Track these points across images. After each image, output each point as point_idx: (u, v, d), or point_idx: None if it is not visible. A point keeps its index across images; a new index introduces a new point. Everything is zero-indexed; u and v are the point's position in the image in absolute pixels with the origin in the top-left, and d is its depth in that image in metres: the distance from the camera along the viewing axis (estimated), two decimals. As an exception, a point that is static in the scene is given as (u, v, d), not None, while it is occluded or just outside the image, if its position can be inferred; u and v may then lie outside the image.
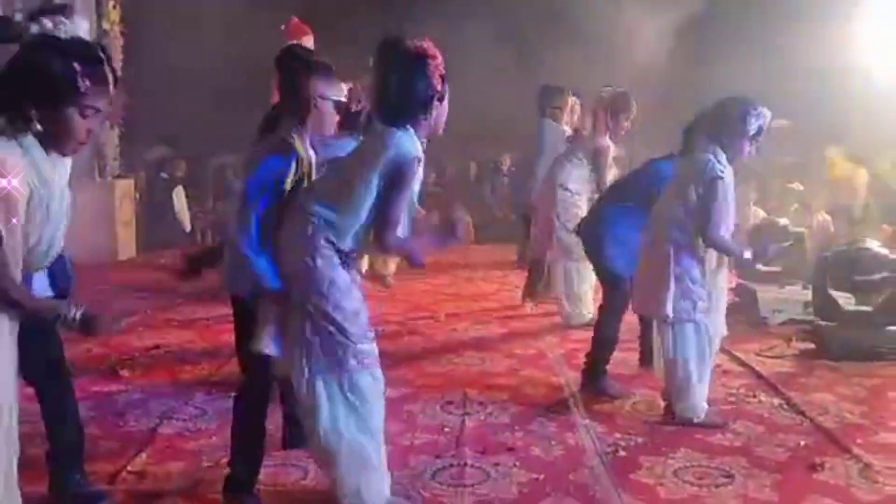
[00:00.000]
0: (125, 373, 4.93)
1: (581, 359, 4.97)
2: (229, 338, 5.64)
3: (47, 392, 3.14)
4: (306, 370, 2.88)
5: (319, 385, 2.88)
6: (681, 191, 3.99)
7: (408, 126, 2.88)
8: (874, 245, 5.67)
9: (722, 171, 3.89)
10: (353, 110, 4.13)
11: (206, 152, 11.68)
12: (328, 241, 2.85)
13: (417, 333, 6.04)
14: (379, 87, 2.90)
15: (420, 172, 2.92)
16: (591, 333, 5.54)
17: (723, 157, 3.93)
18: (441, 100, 2.93)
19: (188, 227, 10.75)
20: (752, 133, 3.93)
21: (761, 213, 8.48)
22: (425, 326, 6.26)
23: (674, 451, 3.74)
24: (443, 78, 2.90)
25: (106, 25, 9.58)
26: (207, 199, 11.38)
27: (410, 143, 2.85)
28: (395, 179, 2.82)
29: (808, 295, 6.05)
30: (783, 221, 7.27)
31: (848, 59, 9.20)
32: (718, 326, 4.17)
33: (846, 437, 3.87)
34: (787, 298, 6.11)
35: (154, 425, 4.09)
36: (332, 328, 2.85)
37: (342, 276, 2.88)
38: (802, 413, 4.20)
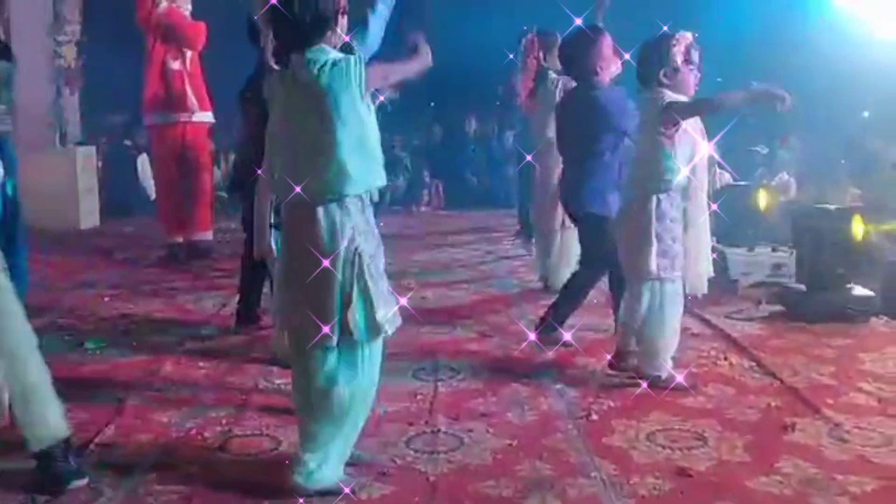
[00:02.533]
0: (90, 344, 4.84)
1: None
2: (195, 306, 5.67)
3: None
4: None
5: None
6: (652, 129, 3.97)
7: (317, 44, 2.85)
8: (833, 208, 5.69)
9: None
10: None
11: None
12: None
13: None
14: (280, 13, 2.83)
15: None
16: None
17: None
18: (344, 14, 2.93)
19: (153, 196, 10.57)
20: (683, 61, 3.96)
21: (727, 177, 8.51)
22: (396, 294, 6.20)
23: (646, 414, 3.74)
24: None
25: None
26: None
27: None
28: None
29: (778, 257, 6.11)
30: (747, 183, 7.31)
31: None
32: (696, 284, 4.17)
33: (816, 397, 3.90)
34: (758, 261, 6.14)
35: (122, 397, 4.02)
36: None
37: None
38: (773, 374, 4.23)
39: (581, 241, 4.91)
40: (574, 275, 4.90)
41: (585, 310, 5.15)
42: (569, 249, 5.94)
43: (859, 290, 5.25)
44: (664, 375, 4.04)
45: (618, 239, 4.23)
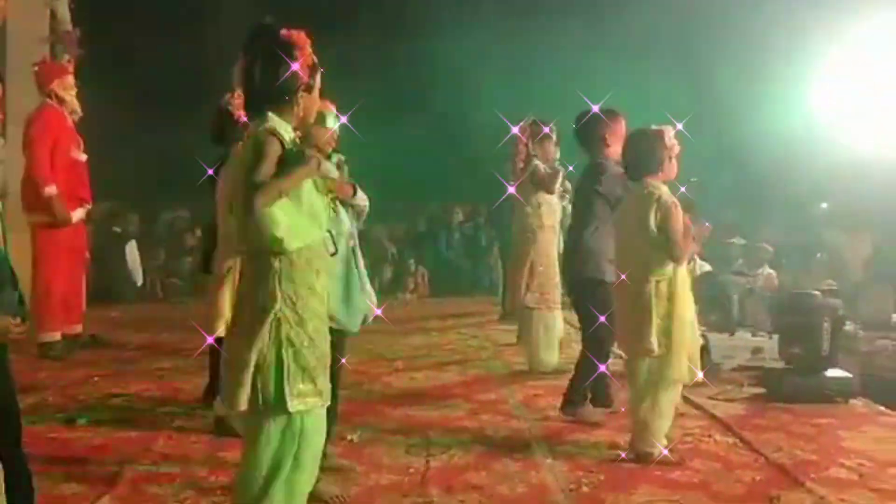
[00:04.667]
0: (83, 421, 4.86)
1: (540, 404, 5.15)
2: (186, 387, 5.70)
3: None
4: None
5: None
6: (642, 223, 4.14)
7: (272, 112, 2.89)
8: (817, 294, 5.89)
9: (670, 196, 4.14)
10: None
11: (158, 206, 11.65)
12: None
13: (378, 381, 6.06)
14: (244, 79, 2.92)
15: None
16: (552, 382, 5.73)
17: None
18: (309, 90, 2.96)
19: (140, 282, 10.66)
20: (668, 155, 4.20)
21: (707, 266, 8.72)
22: (384, 375, 6.29)
23: (635, 487, 3.82)
24: (311, 68, 2.94)
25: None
26: (159, 253, 11.32)
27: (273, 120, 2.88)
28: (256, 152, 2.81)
29: (757, 341, 6.27)
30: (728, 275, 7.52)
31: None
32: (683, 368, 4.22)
33: (800, 472, 3.99)
34: (738, 345, 6.29)
35: (117, 469, 4.05)
36: None
37: None
38: (757, 451, 4.32)
39: (583, 308, 5.00)
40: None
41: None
42: (549, 331, 6.11)
43: (838, 372, 5.40)
44: (655, 452, 4.12)
45: (616, 314, 4.37)
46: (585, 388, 4.91)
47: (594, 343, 4.83)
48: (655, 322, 4.06)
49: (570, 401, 4.90)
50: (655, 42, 10.61)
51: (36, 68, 6.83)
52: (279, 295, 2.83)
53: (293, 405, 2.83)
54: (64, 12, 9.44)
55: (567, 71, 10.08)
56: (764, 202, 10.36)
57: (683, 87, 9.31)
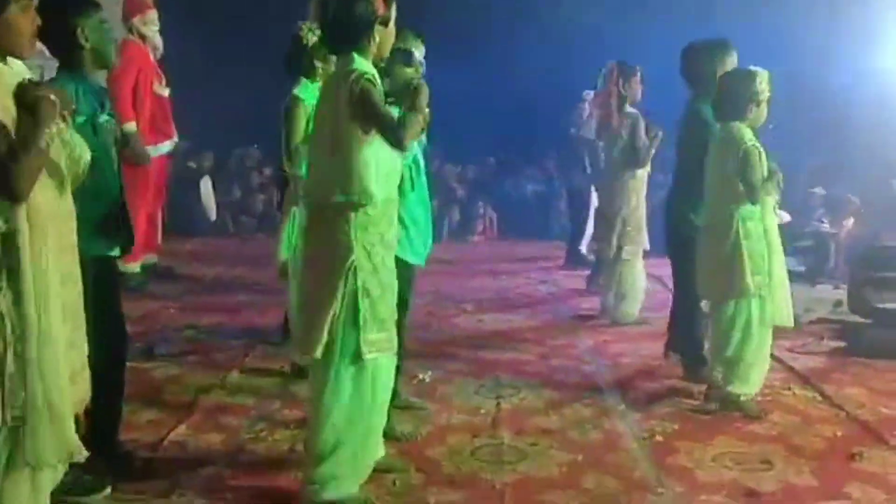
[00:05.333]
0: (160, 350, 4.96)
1: (612, 351, 5.12)
2: (260, 321, 5.77)
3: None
4: None
5: None
6: (725, 166, 4.00)
7: (353, 51, 2.86)
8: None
9: (752, 141, 3.96)
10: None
11: (232, 143, 11.72)
12: None
13: (446, 323, 6.04)
14: (321, 14, 2.92)
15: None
16: (622, 328, 5.63)
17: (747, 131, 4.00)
18: (385, 23, 2.94)
19: (213, 217, 10.79)
20: (760, 99, 4.00)
21: (786, 216, 8.44)
22: (453, 316, 6.26)
23: (710, 438, 3.75)
24: (385, 1, 2.92)
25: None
26: (232, 189, 11.41)
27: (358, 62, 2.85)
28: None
29: (839, 294, 6.07)
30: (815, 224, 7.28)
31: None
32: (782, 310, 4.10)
33: (884, 429, 3.86)
34: (819, 298, 6.10)
35: (192, 399, 4.13)
36: None
37: None
38: (838, 406, 4.19)
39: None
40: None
41: (643, 334, 5.22)
42: (636, 282, 6.01)
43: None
44: (742, 398, 4.03)
45: (700, 257, 4.19)
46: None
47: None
48: (748, 261, 3.94)
49: (698, 363, 4.57)
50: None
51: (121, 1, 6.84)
52: (356, 245, 2.84)
53: (367, 354, 2.86)
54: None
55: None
56: (848, 151, 9.91)
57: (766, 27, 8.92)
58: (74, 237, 2.44)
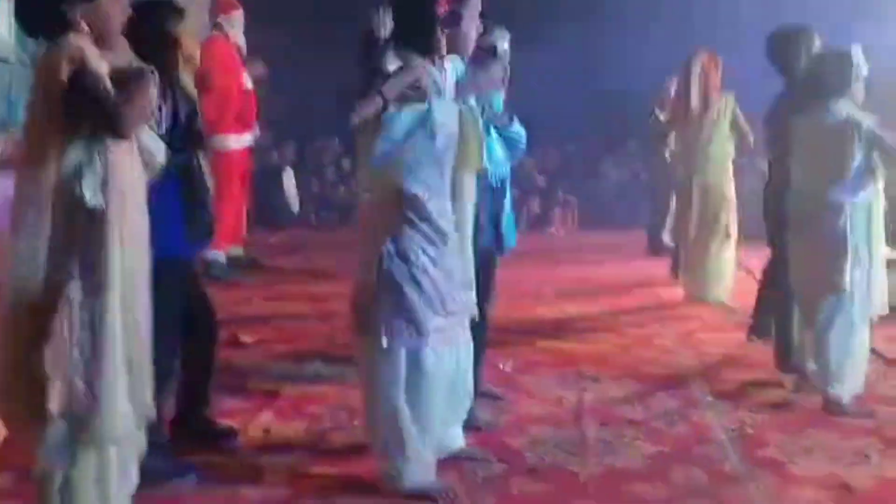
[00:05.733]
0: (245, 338, 5.04)
1: (697, 340, 5.06)
2: (342, 309, 5.79)
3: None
4: None
5: None
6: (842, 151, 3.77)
7: (421, 54, 2.88)
8: None
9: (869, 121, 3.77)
10: None
11: (315, 136, 11.86)
12: None
13: (528, 312, 5.98)
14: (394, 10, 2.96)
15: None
16: (707, 318, 5.56)
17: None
18: (455, 23, 2.94)
19: (296, 209, 10.94)
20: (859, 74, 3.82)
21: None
22: (533, 306, 6.19)
23: (802, 430, 3.63)
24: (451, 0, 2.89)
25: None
26: (313, 182, 11.55)
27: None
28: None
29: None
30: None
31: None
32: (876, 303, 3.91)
33: None
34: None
35: (276, 387, 4.18)
36: None
37: None
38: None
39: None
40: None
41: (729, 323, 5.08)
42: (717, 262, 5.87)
43: None
44: (846, 399, 3.82)
45: (795, 250, 3.98)
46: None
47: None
48: (850, 256, 3.73)
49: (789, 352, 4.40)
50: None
51: None
52: (382, 233, 2.89)
53: (386, 341, 2.87)
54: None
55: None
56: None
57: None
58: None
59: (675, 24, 9.68)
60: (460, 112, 3.05)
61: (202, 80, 6.55)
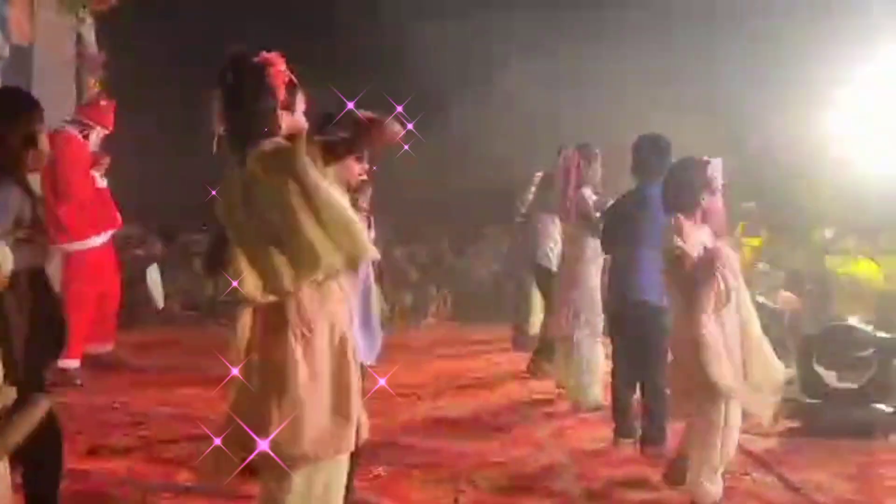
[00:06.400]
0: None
1: (570, 436, 5.06)
2: (207, 413, 5.58)
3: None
4: None
5: None
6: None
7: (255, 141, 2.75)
8: (855, 322, 5.77)
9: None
10: None
11: (177, 229, 11.62)
12: None
13: (400, 410, 5.92)
14: (224, 105, 2.79)
15: None
16: (583, 417, 5.59)
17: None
18: (288, 108, 2.82)
19: (161, 305, 10.59)
20: (716, 189, 3.97)
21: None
22: (407, 404, 6.15)
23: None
24: (287, 85, 2.80)
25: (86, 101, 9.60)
26: (178, 276, 11.25)
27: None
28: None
29: (788, 373, 6.10)
30: (760, 299, 7.33)
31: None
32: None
33: (845, 513, 3.85)
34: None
35: (140, 502, 3.96)
36: None
37: None
38: (797, 490, 4.18)
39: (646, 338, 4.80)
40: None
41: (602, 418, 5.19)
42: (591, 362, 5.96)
43: (879, 407, 5.25)
44: (718, 496, 3.87)
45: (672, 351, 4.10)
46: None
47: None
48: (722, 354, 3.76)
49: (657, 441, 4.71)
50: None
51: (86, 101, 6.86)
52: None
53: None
54: (89, 35, 9.49)
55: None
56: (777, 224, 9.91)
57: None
58: None
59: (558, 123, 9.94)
60: None
61: (54, 185, 6.37)
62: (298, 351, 2.70)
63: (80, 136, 6.72)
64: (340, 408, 2.77)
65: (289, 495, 2.74)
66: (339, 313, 2.81)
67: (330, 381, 2.76)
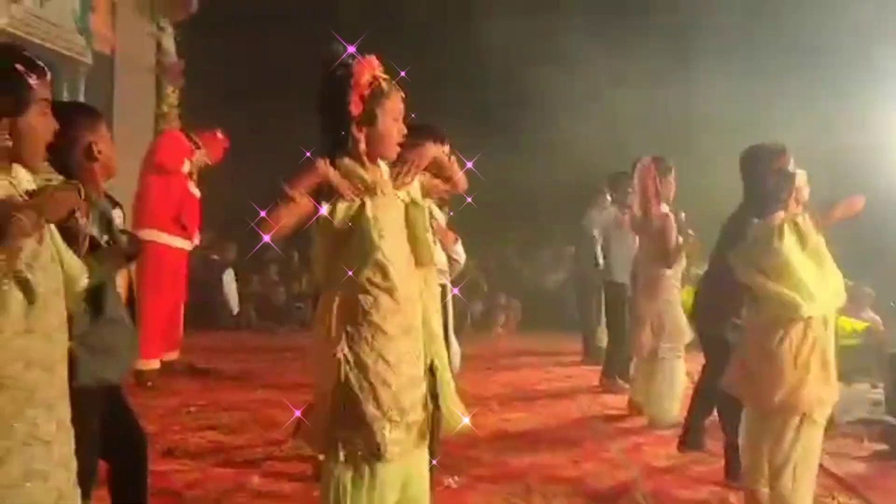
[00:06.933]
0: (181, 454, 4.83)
1: (644, 453, 4.91)
2: (282, 417, 5.61)
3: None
4: None
5: None
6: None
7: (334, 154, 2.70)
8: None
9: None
10: None
11: (255, 234, 11.77)
12: None
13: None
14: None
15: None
16: (657, 434, 5.46)
17: None
18: (369, 123, 2.71)
19: (236, 310, 10.76)
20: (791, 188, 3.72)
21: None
22: (476, 416, 6.06)
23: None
24: (364, 98, 2.67)
25: (165, 108, 9.83)
26: (251, 281, 11.42)
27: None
28: None
29: (877, 394, 5.89)
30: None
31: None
32: None
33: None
34: (856, 397, 5.92)
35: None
36: None
37: None
38: (887, 516, 4.01)
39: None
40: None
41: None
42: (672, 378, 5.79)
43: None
44: None
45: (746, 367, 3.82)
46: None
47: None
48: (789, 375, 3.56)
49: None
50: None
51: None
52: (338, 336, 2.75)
53: (343, 455, 2.72)
54: (169, 44, 9.72)
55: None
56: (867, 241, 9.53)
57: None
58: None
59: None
60: (406, 208, 2.91)
61: (150, 167, 6.51)
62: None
63: (188, 141, 6.86)
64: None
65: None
66: None
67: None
